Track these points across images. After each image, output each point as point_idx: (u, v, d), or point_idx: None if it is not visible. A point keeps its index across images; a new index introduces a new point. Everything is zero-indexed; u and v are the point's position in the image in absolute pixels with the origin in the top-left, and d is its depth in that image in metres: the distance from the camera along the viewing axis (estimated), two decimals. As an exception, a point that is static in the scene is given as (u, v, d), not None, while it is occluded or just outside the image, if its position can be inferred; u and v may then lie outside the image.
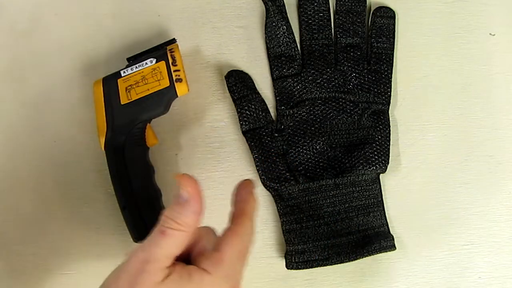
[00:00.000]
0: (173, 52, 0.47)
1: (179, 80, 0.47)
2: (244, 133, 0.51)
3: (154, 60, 0.47)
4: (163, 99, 0.47)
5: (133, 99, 0.47)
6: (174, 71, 0.47)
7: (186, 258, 0.35)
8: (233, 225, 0.36)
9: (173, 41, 0.49)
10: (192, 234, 0.34)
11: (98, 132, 0.47)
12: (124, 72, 0.47)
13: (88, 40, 0.52)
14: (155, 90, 0.47)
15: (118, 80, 0.47)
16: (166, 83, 0.47)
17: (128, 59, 0.49)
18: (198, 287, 0.33)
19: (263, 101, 0.51)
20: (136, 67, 0.47)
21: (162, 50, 0.48)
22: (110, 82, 0.47)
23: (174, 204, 0.33)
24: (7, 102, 0.51)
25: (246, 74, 0.52)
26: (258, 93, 0.52)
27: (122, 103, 0.47)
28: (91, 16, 0.53)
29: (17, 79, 0.52)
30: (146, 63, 0.47)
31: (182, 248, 0.33)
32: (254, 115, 0.51)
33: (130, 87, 0.47)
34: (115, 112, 0.47)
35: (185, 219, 0.33)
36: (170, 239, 0.33)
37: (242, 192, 0.37)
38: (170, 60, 0.47)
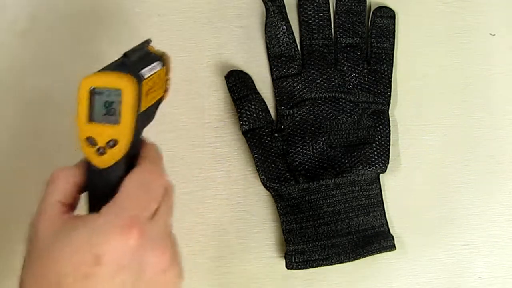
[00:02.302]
0: (167, 57, 0.42)
1: (167, 89, 0.41)
2: (244, 133, 0.51)
3: (161, 64, 0.39)
4: (156, 110, 0.40)
5: (146, 107, 0.38)
6: (167, 79, 0.41)
7: None
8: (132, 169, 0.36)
9: (148, 41, 0.40)
10: (73, 180, 0.36)
11: (120, 140, 0.36)
12: (144, 74, 0.38)
13: (88, 40, 0.52)
14: (158, 99, 0.40)
15: (143, 82, 0.38)
16: (162, 91, 0.40)
17: (126, 54, 0.38)
18: (89, 228, 0.33)
19: (263, 101, 0.51)
20: (151, 70, 0.38)
21: (159, 53, 0.41)
22: (139, 83, 0.37)
23: None
24: (7, 102, 0.51)
25: (246, 74, 0.52)
26: (258, 93, 0.52)
27: (141, 110, 0.37)
28: (91, 16, 0.53)
29: (17, 79, 0.52)
30: (155, 66, 0.39)
31: (66, 192, 0.35)
32: (254, 115, 0.51)
33: (147, 92, 0.38)
34: (138, 120, 0.37)
35: (60, 169, 0.37)
36: (49, 186, 0.36)
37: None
38: (166, 66, 0.40)
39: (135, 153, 0.36)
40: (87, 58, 0.52)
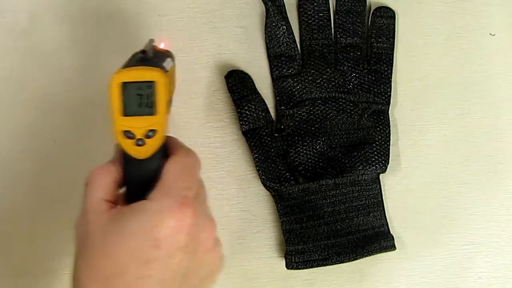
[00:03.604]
0: (172, 54, 0.41)
1: (175, 86, 0.41)
2: (244, 133, 0.51)
3: (172, 60, 0.40)
4: (171, 104, 0.40)
5: (169, 97, 0.39)
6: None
7: None
8: (169, 156, 0.37)
9: (153, 41, 0.40)
10: (112, 176, 0.37)
11: (159, 130, 0.37)
12: (165, 67, 0.38)
13: (88, 40, 0.52)
14: (171, 96, 0.39)
15: (166, 75, 0.38)
16: (174, 86, 0.41)
17: (144, 51, 0.39)
18: (142, 214, 0.34)
19: (263, 101, 0.51)
20: (167, 64, 0.39)
21: (164, 50, 0.41)
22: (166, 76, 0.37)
23: None
24: (7, 102, 0.51)
25: (246, 74, 0.52)
26: (258, 93, 0.52)
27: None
28: (91, 16, 0.53)
29: (17, 79, 0.52)
30: (169, 62, 0.40)
31: (108, 190, 0.36)
32: (254, 115, 0.51)
33: (169, 84, 0.38)
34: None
35: (97, 168, 0.37)
36: (90, 186, 0.36)
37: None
38: (174, 63, 0.41)
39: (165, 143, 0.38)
40: (87, 58, 0.52)
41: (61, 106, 0.51)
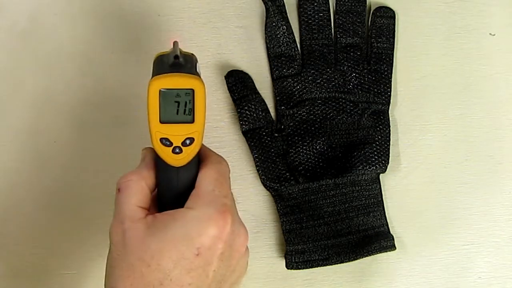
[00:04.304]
0: (196, 57, 0.40)
1: None
2: (244, 133, 0.51)
3: (198, 65, 0.39)
4: None
5: None
6: None
7: None
8: (201, 163, 0.38)
9: (177, 43, 0.39)
10: (146, 183, 0.36)
11: (196, 137, 0.36)
12: (199, 71, 0.38)
13: (88, 40, 0.52)
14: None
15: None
16: None
17: (177, 56, 0.37)
18: (183, 222, 0.34)
19: (263, 101, 0.51)
20: (199, 69, 0.38)
21: (190, 54, 0.39)
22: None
23: None
24: (7, 102, 0.51)
25: (246, 74, 0.52)
26: (258, 93, 0.52)
27: None
28: (91, 16, 0.53)
29: (17, 79, 0.52)
30: (198, 67, 0.38)
31: (142, 196, 0.36)
32: (254, 115, 0.51)
33: None
34: None
35: (130, 174, 0.36)
36: (124, 193, 0.36)
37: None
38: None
39: None
40: (87, 58, 0.52)
41: (61, 106, 0.51)
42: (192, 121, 0.36)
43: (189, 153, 0.36)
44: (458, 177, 0.52)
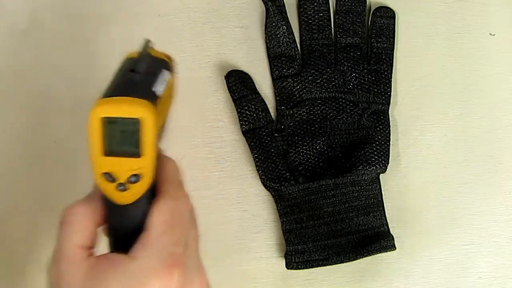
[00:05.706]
0: (172, 60, 0.35)
1: (174, 96, 0.35)
2: (244, 133, 0.51)
3: (168, 72, 0.34)
4: (167, 121, 0.35)
5: (161, 124, 0.33)
6: (173, 85, 0.35)
7: None
8: (156, 198, 0.32)
9: (149, 43, 0.35)
10: (93, 217, 0.32)
11: (144, 174, 0.31)
12: (157, 90, 0.32)
13: (88, 40, 0.52)
14: (169, 110, 0.34)
15: (157, 101, 0.32)
16: (171, 100, 0.35)
17: (133, 69, 0.33)
18: (124, 274, 0.30)
19: (263, 101, 0.51)
20: (162, 83, 0.33)
21: (162, 56, 0.35)
22: (155, 105, 0.31)
23: None
24: (7, 102, 0.51)
25: (246, 74, 0.52)
26: (258, 93, 0.52)
27: (158, 131, 0.32)
28: (91, 16, 0.53)
29: (17, 79, 0.52)
30: (165, 77, 0.33)
31: (87, 233, 0.32)
32: (254, 115, 0.51)
33: (161, 109, 0.32)
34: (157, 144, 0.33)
35: (76, 205, 0.32)
36: (66, 229, 0.31)
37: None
38: (172, 72, 0.35)
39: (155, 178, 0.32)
40: (87, 58, 0.52)
41: (61, 106, 0.51)
42: (139, 155, 0.30)
43: (136, 192, 0.31)
44: (458, 177, 0.52)
